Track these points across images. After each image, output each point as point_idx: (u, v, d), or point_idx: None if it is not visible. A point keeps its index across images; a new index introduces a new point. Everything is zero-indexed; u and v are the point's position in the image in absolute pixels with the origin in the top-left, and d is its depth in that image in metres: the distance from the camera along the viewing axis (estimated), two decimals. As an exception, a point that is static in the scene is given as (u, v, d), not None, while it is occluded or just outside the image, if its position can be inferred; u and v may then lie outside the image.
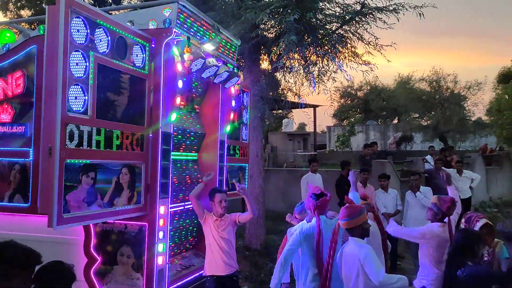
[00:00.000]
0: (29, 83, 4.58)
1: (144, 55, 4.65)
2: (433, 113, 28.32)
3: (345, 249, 4.20)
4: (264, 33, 8.91)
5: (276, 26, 8.91)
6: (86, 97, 3.85)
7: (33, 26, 12.54)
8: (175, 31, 4.79)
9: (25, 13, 20.51)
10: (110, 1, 19.11)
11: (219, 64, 5.56)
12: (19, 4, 20.43)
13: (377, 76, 12.85)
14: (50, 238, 4.60)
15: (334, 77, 9.51)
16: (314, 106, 23.59)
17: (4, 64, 4.70)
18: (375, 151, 12.39)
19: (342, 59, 9.22)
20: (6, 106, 4.69)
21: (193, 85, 5.80)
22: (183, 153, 5.75)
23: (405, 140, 33.00)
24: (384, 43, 9.15)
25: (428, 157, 12.91)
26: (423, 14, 8.67)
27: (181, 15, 4.95)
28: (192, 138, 5.91)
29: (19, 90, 4.62)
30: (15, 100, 4.65)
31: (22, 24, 8.23)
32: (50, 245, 4.65)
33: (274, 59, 8.67)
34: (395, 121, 42.28)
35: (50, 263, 2.89)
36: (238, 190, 5.35)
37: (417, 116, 31.35)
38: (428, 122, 29.08)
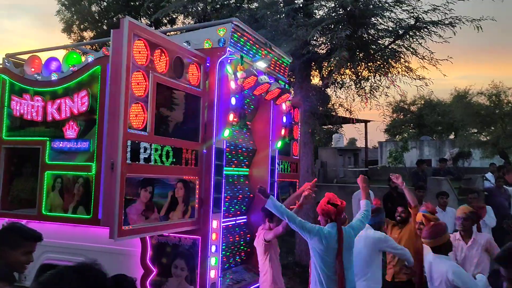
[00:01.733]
0: (93, 101, 4.89)
1: (200, 73, 4.83)
2: (492, 128, 27.03)
3: (433, 267, 4.10)
4: (315, 50, 8.96)
5: (327, 42, 8.93)
6: (146, 115, 4.06)
7: (94, 47, 13.25)
8: (229, 50, 4.95)
9: (87, 34, 21.75)
10: (166, 21, 19.90)
11: (271, 81, 5.67)
12: (82, 26, 21.68)
13: (432, 91, 12.55)
14: (109, 249, 4.83)
15: (386, 92, 9.39)
16: (365, 121, 23.25)
17: (71, 84, 5.05)
18: (442, 168, 12.09)
19: (395, 74, 9.09)
20: (72, 123, 5.02)
21: (246, 101, 5.93)
22: (235, 169, 5.87)
23: (462, 156, 31.64)
24: (439, 56, 8.97)
25: (489, 175, 12.32)
26: (481, 27, 8.41)
27: (234, 35, 5.11)
28: (244, 153, 6.03)
29: (83, 108, 4.95)
30: (80, 118, 4.98)
31: (87, 46, 8.73)
32: (109, 256, 4.90)
33: (325, 75, 8.68)
34: (451, 136, 40.72)
35: (113, 276, 3.04)
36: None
37: (475, 131, 30.02)
38: (488, 137, 27.77)
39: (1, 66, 5.70)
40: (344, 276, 3.93)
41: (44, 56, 5.64)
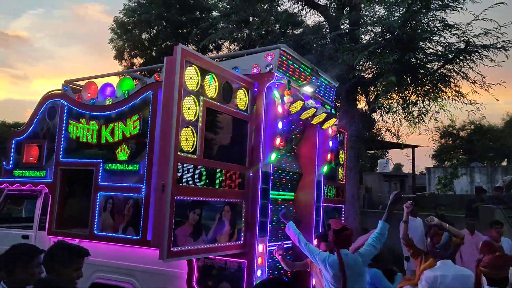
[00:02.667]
0: (144, 125, 5.06)
1: (247, 98, 4.91)
2: (548, 154, 25.69)
3: None
4: (361, 74, 8.92)
5: (374, 67, 8.88)
6: (195, 138, 4.15)
7: (144, 73, 13.76)
8: (276, 75, 5.01)
9: (137, 60, 22.65)
10: (212, 47, 20.43)
11: (317, 106, 5.67)
12: (132, 53, 22.62)
13: (484, 116, 12.14)
14: (157, 270, 4.91)
15: (436, 117, 9.15)
16: (413, 147, 22.61)
17: (124, 108, 5.26)
18: (498, 196, 11.61)
19: (445, 98, 8.88)
20: (124, 146, 5.20)
21: (292, 126, 5.95)
22: (281, 192, 5.85)
23: (516, 184, 30.09)
24: (491, 81, 8.68)
25: (546, 204, 11.66)
26: (535, 50, 8.13)
27: (282, 60, 5.18)
28: (289, 177, 6.01)
29: (135, 132, 5.13)
30: (131, 141, 5.16)
31: (138, 72, 9.10)
32: (157, 277, 4.98)
33: (371, 100, 8.60)
34: (504, 163, 38.92)
35: None
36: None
37: (530, 158, 28.62)
38: (544, 164, 26.38)
39: (60, 91, 6.02)
40: None
41: (99, 82, 5.94)
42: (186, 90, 4.08)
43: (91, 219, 5.31)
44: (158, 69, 4.86)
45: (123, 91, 5.38)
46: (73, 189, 5.91)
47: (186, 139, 4.08)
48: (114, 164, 5.25)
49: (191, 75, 4.13)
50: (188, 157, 4.07)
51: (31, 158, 6.15)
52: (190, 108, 4.12)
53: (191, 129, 4.13)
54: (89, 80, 6.00)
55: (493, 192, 11.81)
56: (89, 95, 5.74)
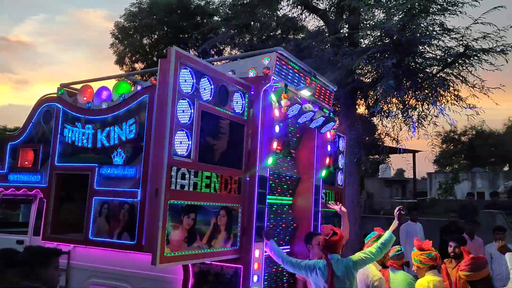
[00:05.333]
0: (140, 129, 5.00)
1: (244, 101, 4.86)
2: (550, 160, 25.60)
3: None
4: (361, 78, 8.87)
5: (373, 71, 8.83)
6: (190, 142, 4.10)
7: (144, 78, 13.75)
8: (273, 79, 4.96)
9: (138, 66, 22.66)
10: (213, 53, 20.44)
11: (315, 110, 5.61)
12: (133, 58, 22.64)
13: (483, 120, 12.04)
14: (152, 275, 4.84)
15: (435, 122, 9.09)
16: (414, 152, 22.57)
17: (120, 112, 5.20)
18: (496, 201, 11.54)
19: (444, 103, 8.81)
20: (120, 150, 5.14)
21: (290, 130, 5.89)
22: (279, 197, 5.78)
23: (518, 189, 29.95)
24: (491, 85, 8.61)
25: (548, 209, 11.57)
26: (535, 54, 8.07)
27: (279, 63, 5.13)
28: (287, 182, 5.94)
29: (131, 136, 5.06)
30: (127, 145, 5.10)
31: (136, 76, 9.07)
32: (152, 283, 4.90)
33: (371, 104, 8.55)
34: (506, 168, 38.80)
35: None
36: (339, 210, 5.42)
37: (532, 163, 28.53)
38: (546, 170, 26.29)
39: (56, 95, 5.98)
40: None
41: (96, 86, 5.89)
42: (181, 93, 4.02)
43: (86, 224, 5.24)
44: (156, 73, 4.81)
45: (119, 94, 5.33)
46: (68, 193, 5.84)
47: (181, 143, 4.02)
48: (109, 169, 5.18)
49: (185, 78, 4.08)
50: (182, 161, 4.01)
51: (26, 163, 6.09)
52: (185, 111, 4.07)
53: (186, 133, 4.07)
54: (84, 84, 5.95)
55: (494, 198, 11.78)
56: (84, 98, 5.69)
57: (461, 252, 5.20)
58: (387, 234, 4.48)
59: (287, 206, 6.00)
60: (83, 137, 5.46)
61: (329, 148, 6.20)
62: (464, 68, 8.52)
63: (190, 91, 4.14)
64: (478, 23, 8.13)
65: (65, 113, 5.73)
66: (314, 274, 4.20)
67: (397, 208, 4.81)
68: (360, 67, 8.00)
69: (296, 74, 5.58)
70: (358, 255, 4.30)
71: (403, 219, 4.69)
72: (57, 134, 5.73)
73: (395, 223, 4.64)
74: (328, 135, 6.20)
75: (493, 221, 9.97)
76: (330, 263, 4.15)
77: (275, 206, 5.73)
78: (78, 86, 6.08)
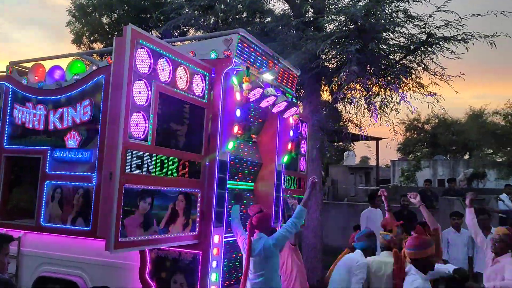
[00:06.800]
0: (96, 111, 4.89)
1: (204, 84, 4.83)
2: (508, 148, 26.76)
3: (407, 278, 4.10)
4: (325, 64, 8.95)
5: (337, 56, 8.93)
6: (147, 124, 4.04)
7: (104, 58, 13.39)
8: (234, 61, 4.94)
9: (97, 46, 22.00)
10: (176, 35, 20.08)
11: (278, 94, 5.64)
12: (92, 37, 21.96)
13: (443, 108, 12.46)
14: (108, 262, 4.79)
15: (397, 109, 9.31)
16: (377, 139, 23.08)
17: (74, 93, 5.06)
18: (452, 187, 12.00)
19: (406, 90, 9.03)
20: (74, 132, 5.02)
21: (251, 114, 5.90)
22: (240, 182, 5.81)
23: (476, 177, 31.26)
24: (451, 73, 8.87)
25: (504, 196, 12.08)
26: (494, 44, 8.35)
27: (241, 45, 5.11)
28: (249, 167, 5.97)
29: (86, 118, 4.96)
30: (82, 127, 4.98)
31: (94, 56, 8.83)
32: (108, 269, 4.86)
33: (334, 90, 8.65)
34: (466, 156, 40.32)
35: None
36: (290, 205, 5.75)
37: (491, 152, 29.76)
38: (503, 158, 27.48)
39: (4, 74, 5.75)
40: (247, 279, 4.51)
41: (48, 65, 5.69)
42: (137, 73, 3.95)
43: (37, 209, 5.13)
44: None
45: (73, 74, 5.19)
46: (19, 177, 5.67)
47: (137, 125, 3.96)
48: (63, 152, 5.06)
49: (142, 58, 4.00)
50: (138, 144, 3.96)
51: (-28, 145, 5.85)
52: (141, 93, 4.00)
53: (143, 115, 4.01)
54: (36, 63, 5.74)
55: (448, 185, 12.32)
56: (36, 78, 5.51)
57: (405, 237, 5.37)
58: (298, 207, 4.84)
59: (248, 192, 6.04)
60: (34, 118, 5.30)
61: (291, 133, 6.27)
62: (426, 55, 8.74)
63: (147, 71, 4.07)
64: (440, 10, 8.32)
65: (14, 92, 5.53)
66: (242, 248, 4.74)
67: (311, 178, 5.07)
68: (324, 52, 8.06)
69: (259, 57, 5.58)
70: (276, 234, 4.65)
71: (316, 188, 4.99)
72: (6, 115, 5.54)
73: (306, 194, 5.01)
74: (291, 120, 6.26)
75: (450, 207, 10.36)
76: (250, 240, 4.58)
77: (235, 191, 5.76)
78: (29, 65, 5.87)
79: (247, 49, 5.26)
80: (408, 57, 8.89)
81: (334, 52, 8.50)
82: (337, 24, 8.73)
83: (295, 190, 6.86)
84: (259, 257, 4.52)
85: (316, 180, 5.10)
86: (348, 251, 5.09)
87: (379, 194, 5.07)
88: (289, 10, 10.20)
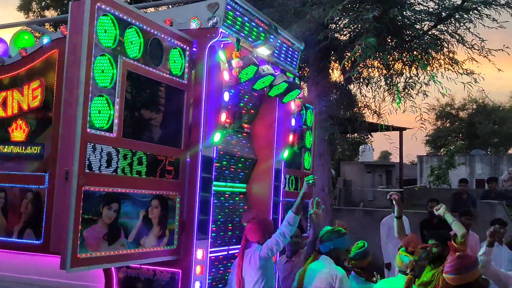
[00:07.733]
0: (48, 95, 4.85)
1: (183, 61, 4.83)
2: None
3: None
4: (335, 35, 8.96)
5: (350, 26, 8.93)
6: (112, 112, 4.04)
7: (58, 29, 13.34)
8: (221, 32, 4.93)
9: (50, 13, 21.95)
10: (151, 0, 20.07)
11: (276, 73, 5.64)
12: (43, 3, 21.89)
13: (483, 90, 12.45)
14: (64, 284, 4.78)
15: (425, 91, 9.33)
16: (401, 129, 23.11)
17: (21, 72, 5.02)
18: (493, 190, 12.07)
19: (436, 67, 9.05)
20: (21, 122, 4.98)
21: (243, 98, 5.90)
22: (229, 184, 5.82)
23: (524, 176, 31.42)
24: (493, 46, 8.89)
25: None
26: (547, 9, 8.40)
27: (230, 13, 5.10)
28: (240, 165, 5.98)
29: (36, 103, 4.91)
30: (31, 115, 4.94)
31: (45, 26, 8.79)
32: (64, 293, 4.85)
33: (347, 68, 8.67)
34: (510, 151, 40.58)
35: None
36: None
37: (541, 144, 29.95)
38: (557, 152, 27.68)
39: None
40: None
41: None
42: (99, 47, 3.94)
43: (-25, 219, 5.11)
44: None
45: (19, 49, 5.16)
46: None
47: (99, 112, 3.96)
48: (6, 146, 5.03)
49: (105, 28, 3.99)
50: (101, 136, 3.97)
51: None
52: (105, 71, 4.00)
53: (106, 99, 4.01)
54: (-28, 34, 5.72)
55: (488, 186, 12.41)
56: (-28, 53, 5.47)
57: (443, 252, 5.38)
58: (289, 214, 4.82)
59: (239, 196, 6.06)
60: (-31, 104, 5.26)
61: (293, 122, 6.27)
62: (461, 24, 8.77)
63: (111, 45, 4.06)
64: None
65: None
66: None
67: (306, 178, 5.11)
68: (334, 20, 8.07)
69: (253, 28, 5.57)
70: (264, 245, 4.71)
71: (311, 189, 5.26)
72: None
73: (299, 197, 4.97)
74: (293, 106, 6.26)
75: (491, 213, 10.42)
76: (241, 252, 4.80)
77: (224, 196, 5.77)
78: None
79: (238, 17, 5.25)
80: (439, 27, 8.90)
81: (347, 20, 8.51)
82: (350, -15, 8.73)
83: (298, 193, 6.86)
84: (247, 265, 4.71)
85: (312, 182, 5.06)
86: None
87: (388, 197, 5.03)
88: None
